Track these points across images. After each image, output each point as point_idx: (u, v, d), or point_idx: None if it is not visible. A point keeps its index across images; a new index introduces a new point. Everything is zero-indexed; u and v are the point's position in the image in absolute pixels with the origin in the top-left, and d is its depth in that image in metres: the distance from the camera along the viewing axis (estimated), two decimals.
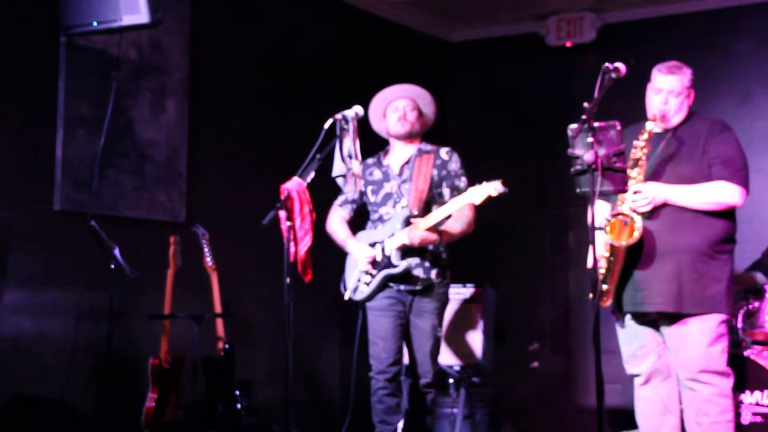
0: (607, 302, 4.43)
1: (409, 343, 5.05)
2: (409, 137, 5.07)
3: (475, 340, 6.24)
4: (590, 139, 3.97)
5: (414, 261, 4.87)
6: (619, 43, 7.40)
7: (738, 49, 7.13)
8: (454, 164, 5.05)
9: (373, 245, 4.97)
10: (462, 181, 5.02)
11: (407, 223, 4.87)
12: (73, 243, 5.30)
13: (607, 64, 4.09)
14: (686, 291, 4.31)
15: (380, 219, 5.04)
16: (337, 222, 5.19)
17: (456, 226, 4.92)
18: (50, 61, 5.35)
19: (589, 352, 4.75)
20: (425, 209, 4.91)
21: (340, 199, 5.22)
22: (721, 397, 4.34)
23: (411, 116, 5.06)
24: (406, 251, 4.88)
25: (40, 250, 5.27)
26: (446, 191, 5.00)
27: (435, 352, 5.03)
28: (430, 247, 4.93)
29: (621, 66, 4.09)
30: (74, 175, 5.40)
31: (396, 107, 5.07)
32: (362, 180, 5.07)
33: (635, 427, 5.64)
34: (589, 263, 4.43)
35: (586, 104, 3.99)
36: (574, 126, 4.02)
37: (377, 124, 5.19)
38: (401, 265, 4.85)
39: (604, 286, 4.38)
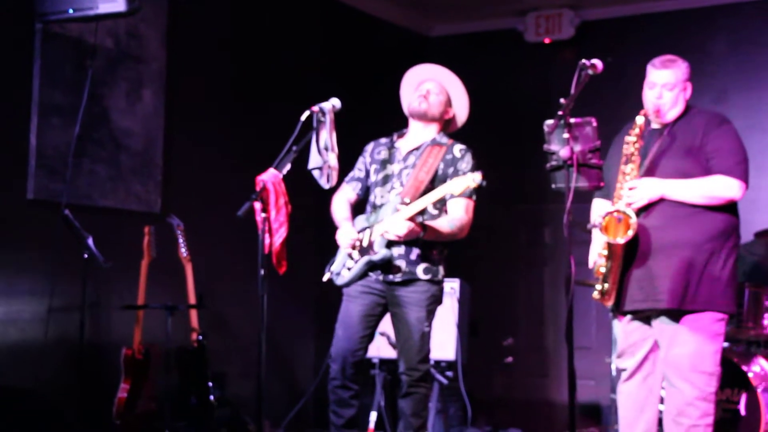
0: (609, 301, 4.32)
1: (396, 336, 4.73)
2: (425, 119, 4.77)
3: (449, 334, 6.25)
4: (566, 135, 3.97)
5: (397, 251, 4.60)
6: (597, 40, 7.43)
7: (714, 48, 7.17)
8: (465, 164, 4.68)
9: (363, 230, 4.68)
10: None
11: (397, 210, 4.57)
12: (46, 232, 5.26)
13: (584, 61, 4.07)
14: (683, 288, 4.21)
15: (375, 201, 4.76)
16: (339, 202, 4.83)
17: (445, 224, 4.61)
18: (25, 49, 5.31)
19: (562, 347, 4.73)
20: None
21: (349, 175, 4.92)
22: (703, 402, 4.26)
23: (434, 98, 4.75)
24: (392, 241, 4.57)
25: (13, 239, 5.23)
26: None
27: (421, 347, 4.61)
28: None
29: (598, 63, 4.07)
30: (48, 163, 5.37)
31: (423, 87, 4.80)
32: (369, 158, 4.86)
33: (607, 423, 5.65)
34: (590, 263, 4.40)
35: (562, 100, 3.98)
36: (550, 122, 4.01)
37: (406, 95, 4.91)
38: (381, 253, 4.57)
39: (605, 285, 4.28)
